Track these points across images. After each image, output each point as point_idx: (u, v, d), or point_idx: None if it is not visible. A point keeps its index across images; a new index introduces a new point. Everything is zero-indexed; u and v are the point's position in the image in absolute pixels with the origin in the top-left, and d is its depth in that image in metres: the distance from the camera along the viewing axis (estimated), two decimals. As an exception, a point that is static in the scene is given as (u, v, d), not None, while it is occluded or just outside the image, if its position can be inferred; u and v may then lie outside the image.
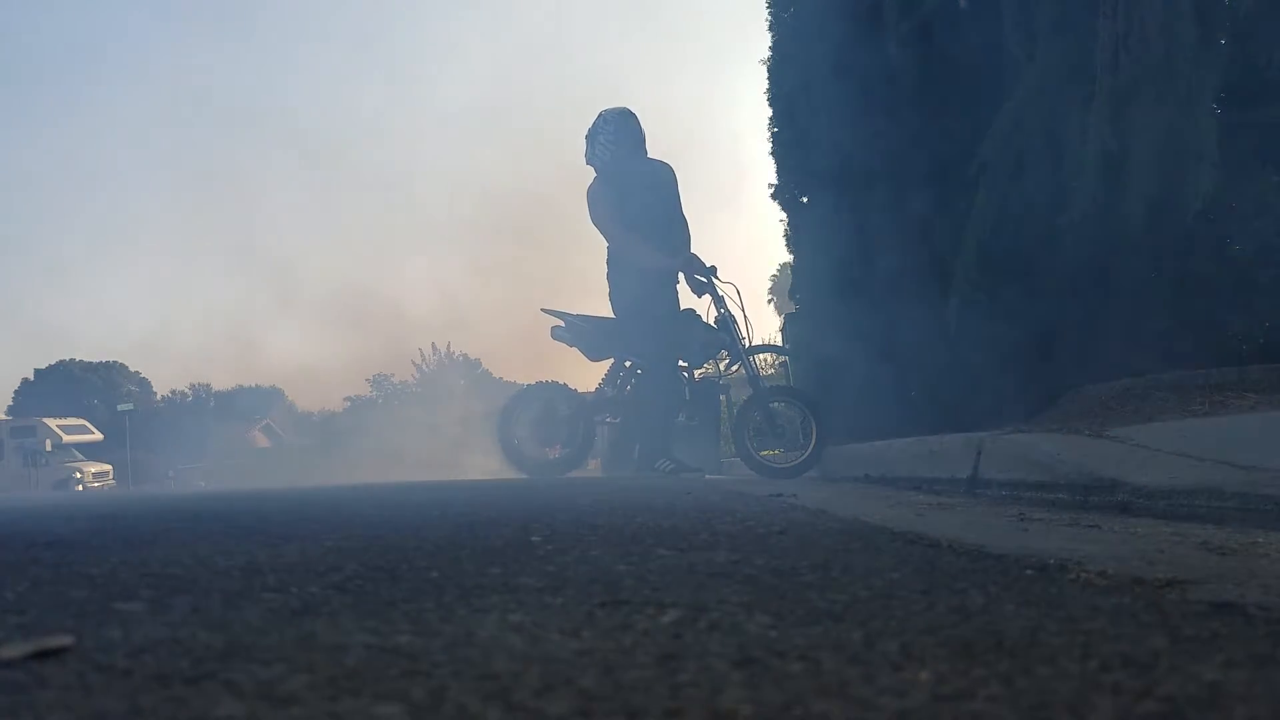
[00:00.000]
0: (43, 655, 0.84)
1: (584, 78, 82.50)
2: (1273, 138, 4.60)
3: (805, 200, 7.09)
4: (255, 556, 1.56)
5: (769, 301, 27.70)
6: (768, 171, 7.58)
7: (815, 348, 6.82)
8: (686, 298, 6.21)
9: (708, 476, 5.90)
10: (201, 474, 35.86)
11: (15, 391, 52.34)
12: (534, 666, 0.78)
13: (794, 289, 7.44)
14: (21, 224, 78.03)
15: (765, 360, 9.53)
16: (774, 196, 7.43)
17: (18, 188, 77.01)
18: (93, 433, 35.76)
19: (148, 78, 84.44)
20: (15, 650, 0.85)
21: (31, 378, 53.04)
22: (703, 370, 6.32)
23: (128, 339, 72.01)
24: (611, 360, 6.41)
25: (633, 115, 6.09)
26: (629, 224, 5.95)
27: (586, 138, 6.09)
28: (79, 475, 30.92)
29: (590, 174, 6.14)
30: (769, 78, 7.25)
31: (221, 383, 55.52)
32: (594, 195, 6.05)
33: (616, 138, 5.96)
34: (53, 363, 53.78)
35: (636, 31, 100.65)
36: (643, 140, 6.10)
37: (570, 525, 2.01)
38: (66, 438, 33.45)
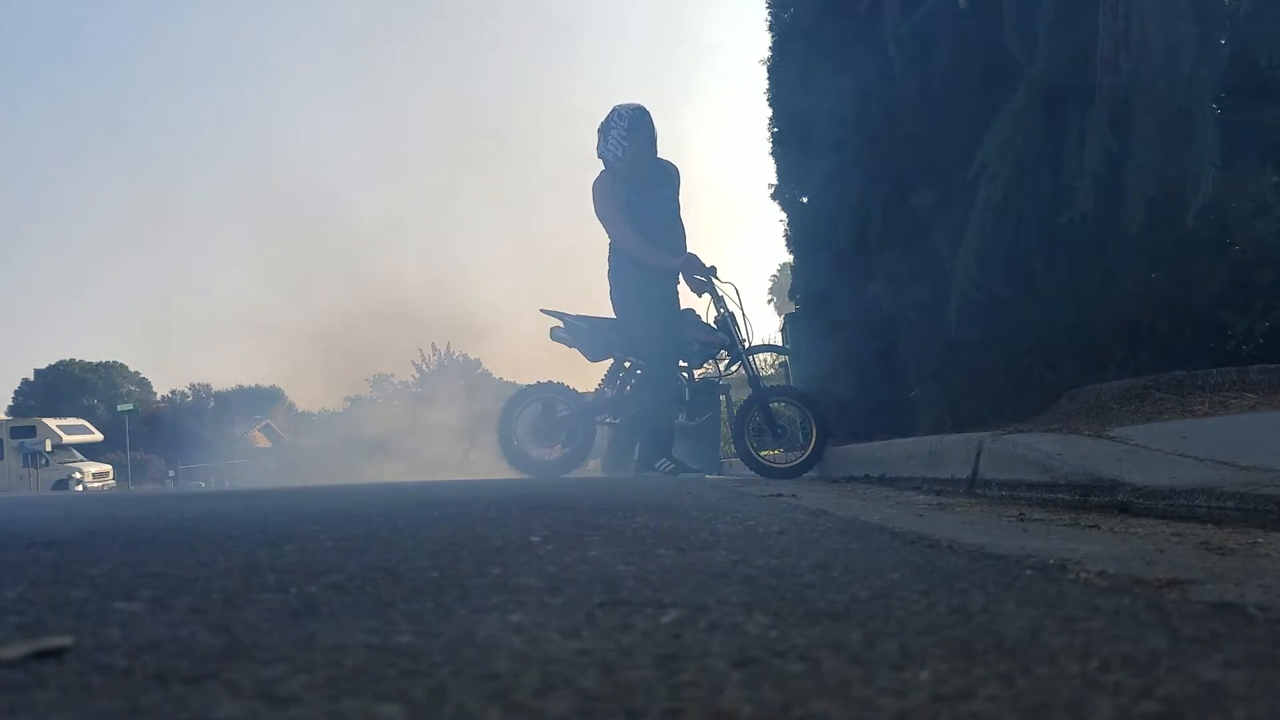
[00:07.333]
0: (43, 655, 0.83)
1: (582, 76, 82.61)
2: (1273, 138, 4.60)
3: (805, 200, 7.09)
4: (255, 556, 1.55)
5: (769, 301, 27.74)
6: (768, 171, 7.59)
7: (815, 348, 6.82)
8: (686, 297, 6.22)
9: (708, 477, 5.91)
10: (201, 474, 35.90)
11: (15, 391, 52.44)
12: (534, 666, 0.78)
13: (794, 289, 7.44)
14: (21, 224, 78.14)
15: (765, 360, 9.54)
16: (774, 196, 7.43)
17: (15, 189, 77.12)
18: (93, 433, 35.80)
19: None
20: (15, 650, 0.84)
21: (31, 378, 53.08)
22: (703, 370, 6.32)
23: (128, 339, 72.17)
24: (611, 360, 6.41)
25: (647, 113, 6.04)
26: (633, 222, 5.94)
27: (599, 131, 6.04)
28: (79, 475, 30.96)
29: (598, 166, 6.11)
30: (769, 78, 7.25)
31: (221, 383, 55.57)
32: (599, 189, 6.02)
33: (630, 134, 5.93)
34: (53, 363, 53.83)
35: (634, 29, 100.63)
36: (655, 139, 6.07)
37: (570, 525, 2.00)
38: (66, 438, 33.48)
